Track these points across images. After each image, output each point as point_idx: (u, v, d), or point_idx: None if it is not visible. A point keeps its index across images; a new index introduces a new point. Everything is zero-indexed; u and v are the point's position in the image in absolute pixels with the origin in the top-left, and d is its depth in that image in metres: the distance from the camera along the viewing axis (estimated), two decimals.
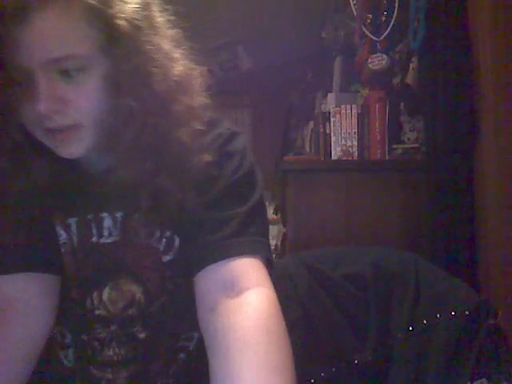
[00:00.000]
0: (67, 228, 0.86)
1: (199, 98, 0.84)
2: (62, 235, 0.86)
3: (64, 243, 0.86)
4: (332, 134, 2.08)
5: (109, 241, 0.86)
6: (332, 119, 2.09)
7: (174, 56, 0.83)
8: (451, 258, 1.69)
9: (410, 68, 2.03)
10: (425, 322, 0.98)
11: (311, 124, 2.85)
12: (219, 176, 0.81)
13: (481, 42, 1.68)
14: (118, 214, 0.85)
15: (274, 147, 4.03)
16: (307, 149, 2.92)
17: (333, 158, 2.08)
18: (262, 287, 0.74)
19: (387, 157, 2.05)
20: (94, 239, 0.86)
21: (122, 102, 0.75)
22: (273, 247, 3.11)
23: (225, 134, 0.87)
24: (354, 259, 1.11)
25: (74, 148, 0.77)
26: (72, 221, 0.86)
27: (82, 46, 0.73)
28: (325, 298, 1.03)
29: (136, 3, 0.77)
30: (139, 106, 0.75)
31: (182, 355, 0.90)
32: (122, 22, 0.73)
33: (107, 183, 0.81)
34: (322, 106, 2.55)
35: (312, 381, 0.98)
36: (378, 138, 2.04)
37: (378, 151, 2.04)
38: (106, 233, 0.86)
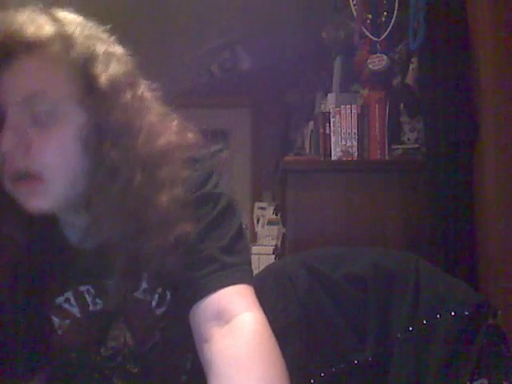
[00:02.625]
0: (64, 303, 0.87)
1: (182, 165, 0.84)
2: (57, 316, 0.87)
3: (61, 324, 0.87)
4: (332, 135, 2.08)
5: (105, 307, 0.87)
6: (332, 119, 2.09)
7: (160, 128, 0.82)
8: (451, 258, 1.69)
9: (410, 68, 2.03)
10: (425, 321, 0.98)
11: (311, 124, 2.85)
12: (197, 219, 0.83)
13: (481, 42, 1.68)
14: (107, 281, 0.86)
15: (274, 147, 4.03)
16: (307, 149, 2.92)
17: (333, 158, 2.08)
18: (249, 312, 0.78)
19: (387, 157, 2.05)
20: (91, 308, 0.87)
21: (100, 159, 0.75)
22: (273, 247, 3.11)
23: (197, 179, 0.86)
24: (353, 259, 1.10)
25: (40, 200, 0.77)
26: (69, 294, 0.86)
27: (55, 89, 0.74)
28: (324, 298, 1.03)
29: (122, 69, 0.79)
30: (122, 165, 0.75)
31: (183, 377, 0.92)
32: (104, 80, 0.75)
33: (89, 250, 0.82)
34: (322, 106, 2.55)
35: (312, 381, 0.98)
36: (378, 138, 2.04)
37: (378, 151, 2.04)
38: (99, 301, 0.87)
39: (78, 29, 0.77)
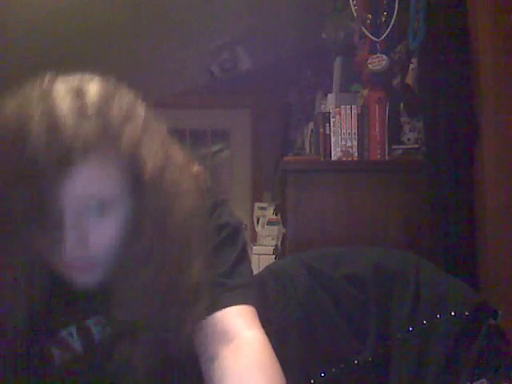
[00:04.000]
0: (67, 337, 0.88)
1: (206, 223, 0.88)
2: (57, 350, 0.88)
3: (61, 356, 0.88)
4: (332, 135, 2.08)
5: (111, 333, 0.88)
6: (332, 120, 2.09)
7: (183, 185, 0.86)
8: (451, 258, 1.69)
9: (410, 68, 2.03)
10: (425, 322, 0.98)
11: (311, 124, 2.85)
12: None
13: (481, 42, 1.68)
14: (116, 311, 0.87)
15: (274, 147, 4.03)
16: (307, 149, 2.92)
17: (333, 158, 2.08)
18: (251, 331, 0.81)
19: (387, 157, 2.05)
20: (97, 338, 0.88)
21: (143, 240, 0.80)
22: (273, 247, 3.11)
23: (205, 210, 0.91)
24: (353, 259, 1.10)
25: (90, 278, 0.82)
26: (72, 329, 0.88)
27: (113, 189, 0.78)
28: (325, 298, 1.03)
29: (159, 143, 0.83)
30: (159, 243, 0.80)
31: None
32: (149, 170, 0.80)
33: (99, 288, 0.85)
34: (322, 106, 2.55)
35: (312, 381, 0.98)
36: (378, 138, 2.04)
37: (378, 152, 2.04)
38: (109, 329, 0.88)
39: (119, 118, 0.79)
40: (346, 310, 1.02)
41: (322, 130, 2.13)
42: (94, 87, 0.80)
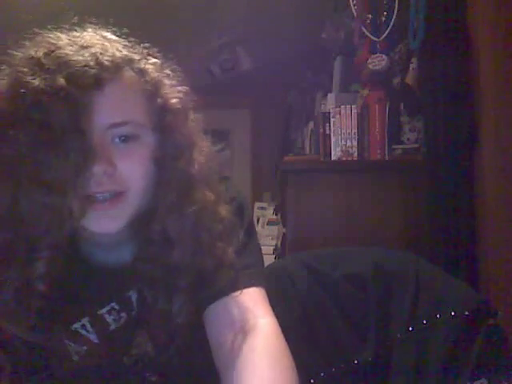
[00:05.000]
0: (80, 330, 0.87)
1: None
2: (72, 344, 0.87)
3: (77, 351, 0.87)
4: (332, 135, 2.08)
5: (131, 318, 0.87)
6: (332, 119, 2.09)
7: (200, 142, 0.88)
8: (451, 258, 1.69)
9: (410, 68, 2.03)
10: (425, 322, 0.98)
11: (311, 124, 2.85)
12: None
13: (481, 42, 1.68)
14: (132, 294, 0.87)
15: (274, 147, 4.03)
16: (307, 149, 2.92)
17: (333, 158, 2.08)
18: (263, 318, 0.81)
19: (387, 157, 2.05)
20: (113, 327, 0.87)
21: (163, 178, 0.80)
22: (273, 247, 3.11)
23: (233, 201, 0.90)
24: (353, 259, 1.10)
25: (115, 220, 0.79)
26: (85, 320, 0.87)
27: (139, 116, 0.79)
28: (324, 298, 1.03)
29: (182, 91, 0.86)
30: (179, 177, 0.81)
31: None
32: (173, 102, 0.83)
33: (113, 269, 0.84)
34: (322, 106, 2.55)
35: (312, 381, 0.98)
36: (378, 138, 2.04)
37: (378, 151, 2.04)
38: (122, 317, 0.87)
39: (137, 53, 0.84)
40: (346, 309, 1.02)
41: (321, 130, 2.13)
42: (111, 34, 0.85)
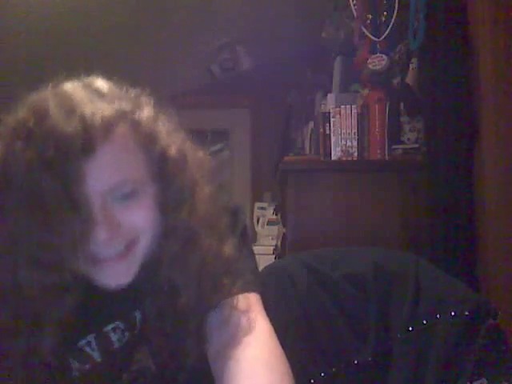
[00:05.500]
0: (85, 347, 0.86)
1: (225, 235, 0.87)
2: (75, 361, 0.87)
3: (80, 368, 0.87)
4: (332, 135, 2.08)
5: (134, 337, 0.87)
6: (332, 119, 2.09)
7: (202, 176, 0.86)
8: (451, 258, 1.69)
9: (410, 68, 2.03)
10: (425, 322, 0.98)
11: (311, 124, 2.85)
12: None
13: (481, 41, 1.68)
14: (137, 314, 0.87)
15: (274, 147, 4.03)
16: (307, 149, 2.92)
17: (333, 158, 2.08)
18: (258, 324, 0.80)
19: (387, 157, 2.05)
20: (117, 345, 0.87)
21: (168, 226, 0.80)
22: (273, 247, 3.11)
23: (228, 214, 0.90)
24: (353, 259, 1.10)
25: (126, 273, 0.79)
26: (90, 337, 0.86)
27: (137, 172, 0.78)
28: (324, 298, 1.03)
29: (180, 137, 0.84)
30: (185, 224, 0.80)
31: None
32: (171, 150, 0.81)
33: (120, 291, 0.82)
34: (322, 106, 2.54)
35: (312, 381, 0.98)
36: (378, 138, 2.04)
37: (378, 151, 2.04)
38: (125, 336, 0.87)
39: (129, 103, 0.81)
40: (346, 309, 1.02)
41: (321, 130, 2.13)
42: (101, 81, 0.82)
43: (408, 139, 2.07)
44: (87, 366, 0.87)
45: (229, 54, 3.82)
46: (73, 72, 0.83)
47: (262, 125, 4.41)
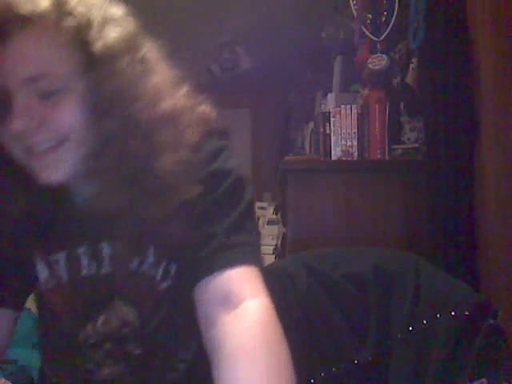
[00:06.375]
0: (54, 264, 0.86)
1: (190, 130, 0.82)
2: (44, 272, 0.87)
3: (46, 281, 0.87)
4: (332, 134, 2.08)
5: (101, 272, 0.85)
6: (332, 119, 2.09)
7: (165, 91, 0.82)
8: (451, 257, 1.69)
9: (410, 68, 2.03)
10: (425, 322, 0.98)
11: (311, 124, 2.85)
12: (204, 194, 0.81)
13: (481, 41, 1.68)
14: (107, 245, 0.85)
15: (274, 147, 4.03)
16: (307, 149, 2.92)
17: (333, 158, 2.08)
18: (257, 297, 0.77)
19: (387, 157, 2.05)
20: (85, 272, 0.86)
21: (100, 125, 0.75)
22: (273, 247, 3.12)
23: (208, 152, 0.85)
24: (353, 259, 1.10)
25: (57, 171, 0.78)
26: (60, 256, 0.86)
27: (58, 66, 0.75)
28: (324, 298, 1.03)
29: (118, 33, 0.78)
30: (117, 131, 0.76)
31: (181, 365, 0.89)
32: (99, 46, 0.75)
33: (91, 213, 0.80)
34: (322, 106, 2.55)
35: (312, 381, 0.98)
36: (378, 138, 2.04)
37: (378, 151, 2.04)
38: (95, 265, 0.86)
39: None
40: (346, 309, 1.02)
41: (321, 130, 2.13)
42: None
43: (408, 139, 2.07)
44: (54, 281, 0.86)
45: (229, 54, 3.82)
46: None
47: (262, 125, 4.41)
